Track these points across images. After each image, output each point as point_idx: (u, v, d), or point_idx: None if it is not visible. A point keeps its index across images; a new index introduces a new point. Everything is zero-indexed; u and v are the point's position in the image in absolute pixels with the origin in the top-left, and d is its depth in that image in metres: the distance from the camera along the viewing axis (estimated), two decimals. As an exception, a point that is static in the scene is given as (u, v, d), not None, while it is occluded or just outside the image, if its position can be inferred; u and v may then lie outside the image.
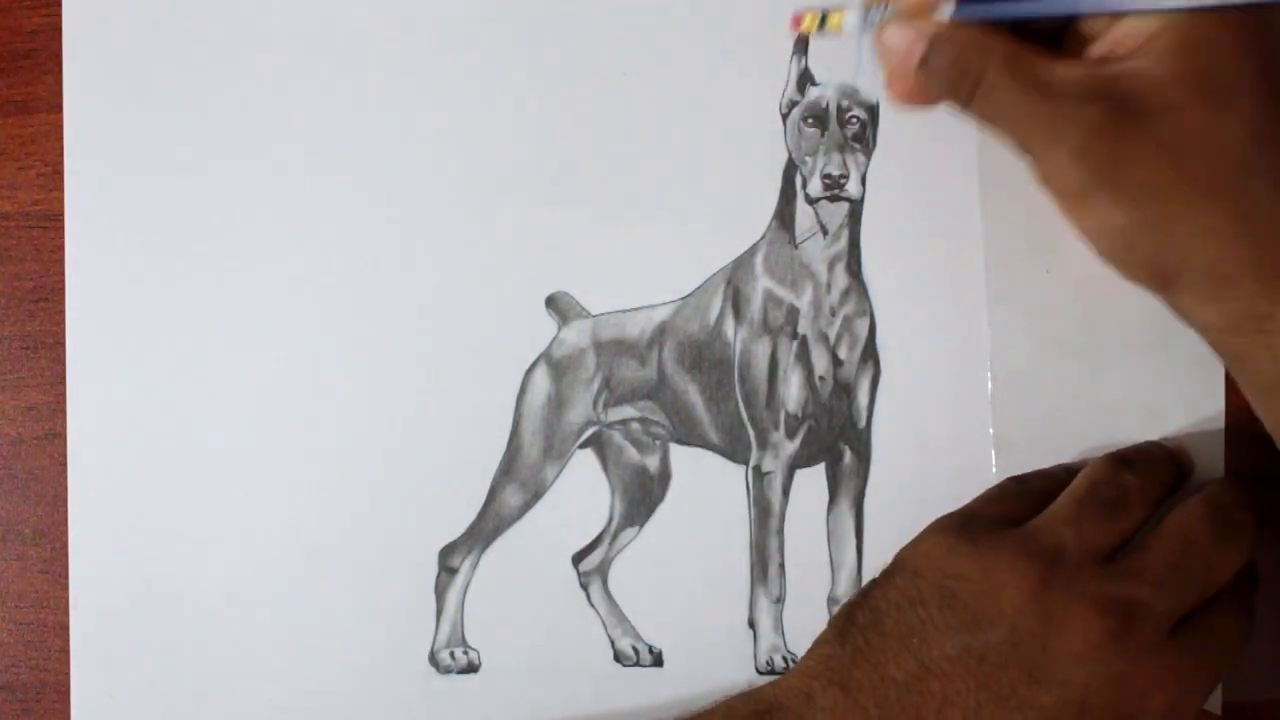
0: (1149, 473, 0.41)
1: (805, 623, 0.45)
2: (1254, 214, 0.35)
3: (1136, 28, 0.36)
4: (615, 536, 0.46)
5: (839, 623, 0.40)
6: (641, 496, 0.46)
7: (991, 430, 0.45)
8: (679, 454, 0.46)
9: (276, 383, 0.47)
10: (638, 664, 0.46)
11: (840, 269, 0.45)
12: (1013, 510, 0.40)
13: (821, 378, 0.45)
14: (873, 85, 0.45)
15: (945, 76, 0.37)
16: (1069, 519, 0.39)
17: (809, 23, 0.39)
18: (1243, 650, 0.40)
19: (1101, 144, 0.36)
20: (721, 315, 0.46)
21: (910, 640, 0.38)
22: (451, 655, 0.46)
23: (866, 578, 0.45)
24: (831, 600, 0.45)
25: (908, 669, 0.38)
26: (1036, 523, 0.39)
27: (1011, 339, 0.45)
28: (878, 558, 0.45)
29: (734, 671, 0.45)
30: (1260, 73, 0.35)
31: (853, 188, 0.45)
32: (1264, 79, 0.35)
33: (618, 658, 0.46)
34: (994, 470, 0.45)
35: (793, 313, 0.46)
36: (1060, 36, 0.38)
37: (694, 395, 0.46)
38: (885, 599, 0.39)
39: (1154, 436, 0.44)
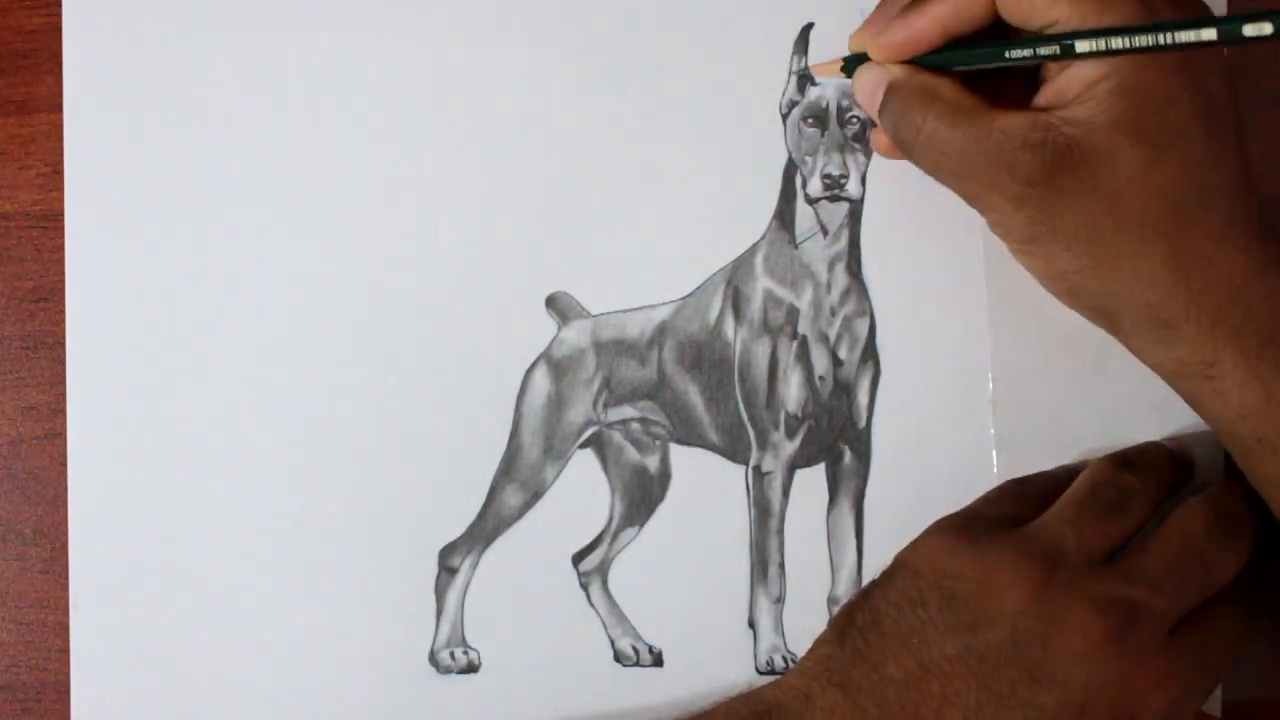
0: (1149, 474, 0.41)
1: (805, 623, 0.45)
2: (1192, 262, 0.36)
3: (1080, 75, 0.36)
4: (615, 536, 0.46)
5: (838, 623, 0.40)
6: (641, 496, 0.46)
7: (993, 429, 0.45)
8: (679, 454, 0.46)
9: (276, 383, 0.47)
10: (638, 664, 0.46)
11: (840, 269, 0.45)
12: (1014, 511, 0.40)
13: (821, 378, 0.45)
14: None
15: (893, 122, 0.38)
16: (1070, 519, 0.39)
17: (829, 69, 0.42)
18: (1243, 651, 0.40)
19: (1038, 192, 0.36)
20: (721, 315, 0.46)
21: (910, 640, 0.38)
22: (451, 655, 0.46)
23: (867, 578, 0.45)
24: (831, 600, 0.45)
25: (907, 669, 0.38)
26: (1037, 523, 0.39)
27: (1013, 338, 0.45)
28: (878, 558, 0.45)
29: (734, 671, 0.45)
30: (1201, 118, 0.36)
31: (853, 188, 0.45)
32: (1205, 125, 0.36)
33: (618, 658, 0.46)
34: (995, 470, 0.45)
35: (793, 313, 0.46)
36: (1016, 84, 0.39)
37: (694, 395, 0.46)
38: (885, 599, 0.39)
39: (1155, 436, 0.44)
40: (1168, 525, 0.39)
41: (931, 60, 0.39)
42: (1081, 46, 0.35)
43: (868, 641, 0.39)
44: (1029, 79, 0.38)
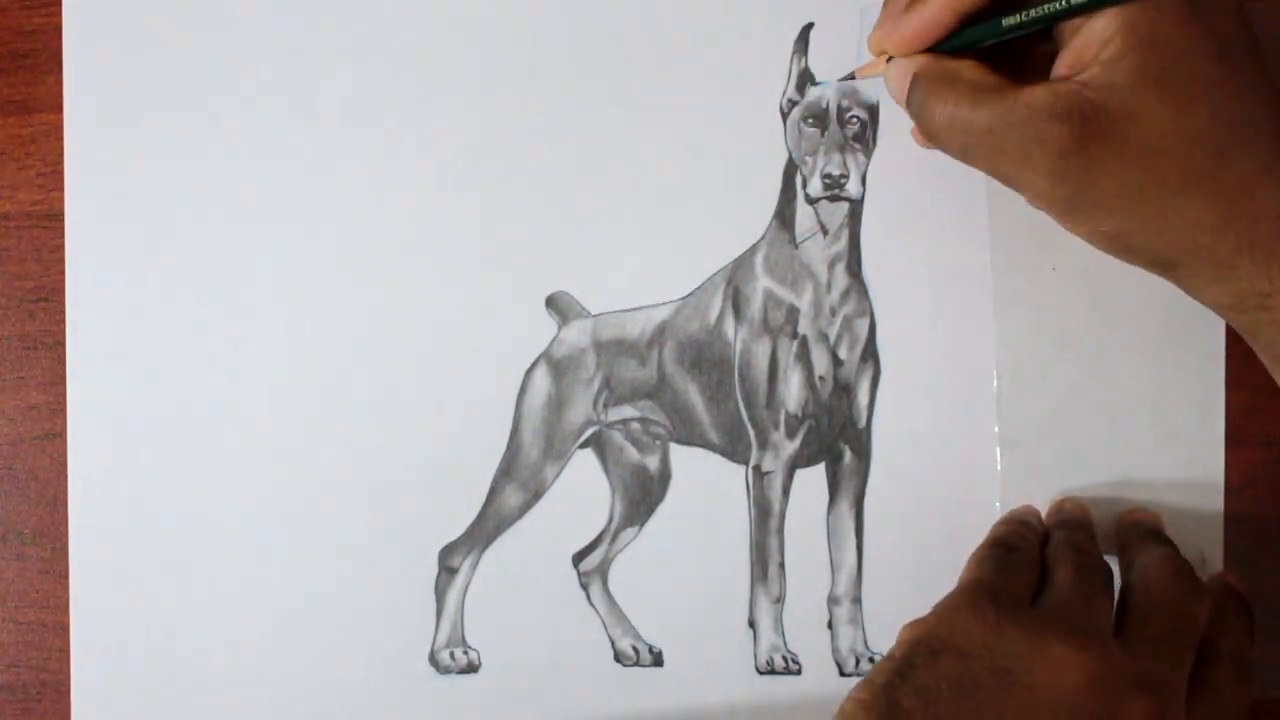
0: (1100, 556, 0.41)
1: (805, 623, 0.45)
2: (1237, 198, 0.35)
3: (1094, 35, 0.36)
4: (615, 536, 0.46)
5: (879, 706, 0.37)
6: (641, 496, 0.46)
7: (997, 428, 0.45)
8: (679, 454, 0.46)
9: (276, 383, 0.47)
10: (638, 664, 0.46)
11: (840, 269, 0.45)
12: (1021, 578, 0.40)
13: (821, 378, 0.45)
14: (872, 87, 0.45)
15: (919, 111, 0.38)
16: (1084, 595, 0.39)
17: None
18: (1245, 712, 0.40)
19: (1072, 163, 0.36)
20: (721, 315, 0.46)
21: None
22: (451, 655, 0.46)
23: (867, 578, 0.45)
24: (832, 600, 0.45)
25: None
26: (1060, 599, 0.39)
27: (1018, 337, 0.45)
28: (878, 558, 0.45)
29: (734, 671, 0.45)
30: (1220, 58, 0.35)
31: (853, 188, 0.45)
32: (1226, 65, 0.35)
33: (618, 658, 0.46)
34: (999, 468, 0.45)
35: (793, 312, 0.46)
36: (1037, 61, 0.38)
37: (694, 395, 0.46)
38: (934, 680, 0.37)
39: (1155, 436, 0.44)
40: (1140, 590, 0.40)
41: (950, 45, 0.39)
42: None
43: None
44: (1049, 55, 0.38)
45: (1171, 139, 0.35)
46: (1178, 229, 0.36)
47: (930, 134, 0.39)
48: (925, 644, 0.38)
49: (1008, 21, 0.37)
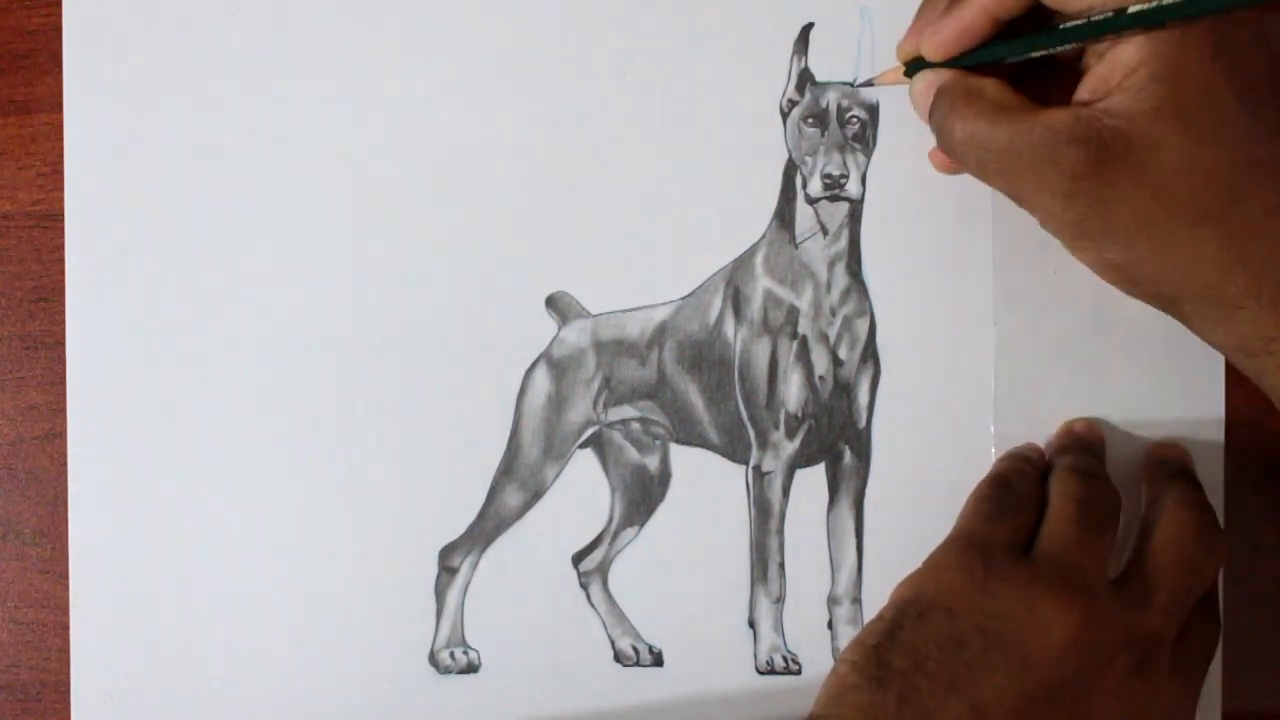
0: (1104, 474, 0.41)
1: (805, 623, 0.45)
2: (1248, 239, 0.35)
3: (1120, 62, 0.35)
4: (615, 536, 0.46)
5: (869, 667, 0.37)
6: (641, 496, 0.46)
7: (993, 429, 0.45)
8: (679, 454, 0.46)
9: (276, 383, 0.47)
10: (638, 664, 0.46)
11: (840, 269, 0.45)
12: (1014, 526, 0.40)
13: (821, 378, 0.45)
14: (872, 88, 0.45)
15: (940, 125, 0.38)
16: (1078, 542, 0.39)
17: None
18: (1215, 647, 0.41)
19: (1086, 187, 0.36)
20: (721, 315, 0.46)
21: (958, 683, 0.37)
22: (451, 655, 0.46)
23: (867, 578, 0.45)
24: (832, 600, 0.45)
25: (957, 713, 0.36)
26: (1050, 549, 0.39)
27: (1017, 339, 0.45)
28: (878, 558, 0.45)
29: (734, 671, 0.45)
30: (1243, 97, 0.35)
31: (853, 188, 0.45)
32: (1248, 103, 0.35)
33: (618, 658, 0.46)
34: (994, 470, 0.45)
35: (793, 313, 0.46)
36: (1061, 82, 0.38)
37: (694, 395, 0.46)
38: (922, 640, 0.37)
39: (1155, 437, 0.44)
40: (1159, 539, 0.40)
41: (980, 57, 0.39)
42: (1134, 7, 0.34)
43: (913, 686, 0.37)
44: (1073, 77, 0.38)
45: (1186, 173, 0.35)
46: (1185, 264, 0.36)
47: (949, 149, 0.39)
48: (914, 604, 0.38)
49: (1065, 28, 0.37)
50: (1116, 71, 0.36)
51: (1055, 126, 0.36)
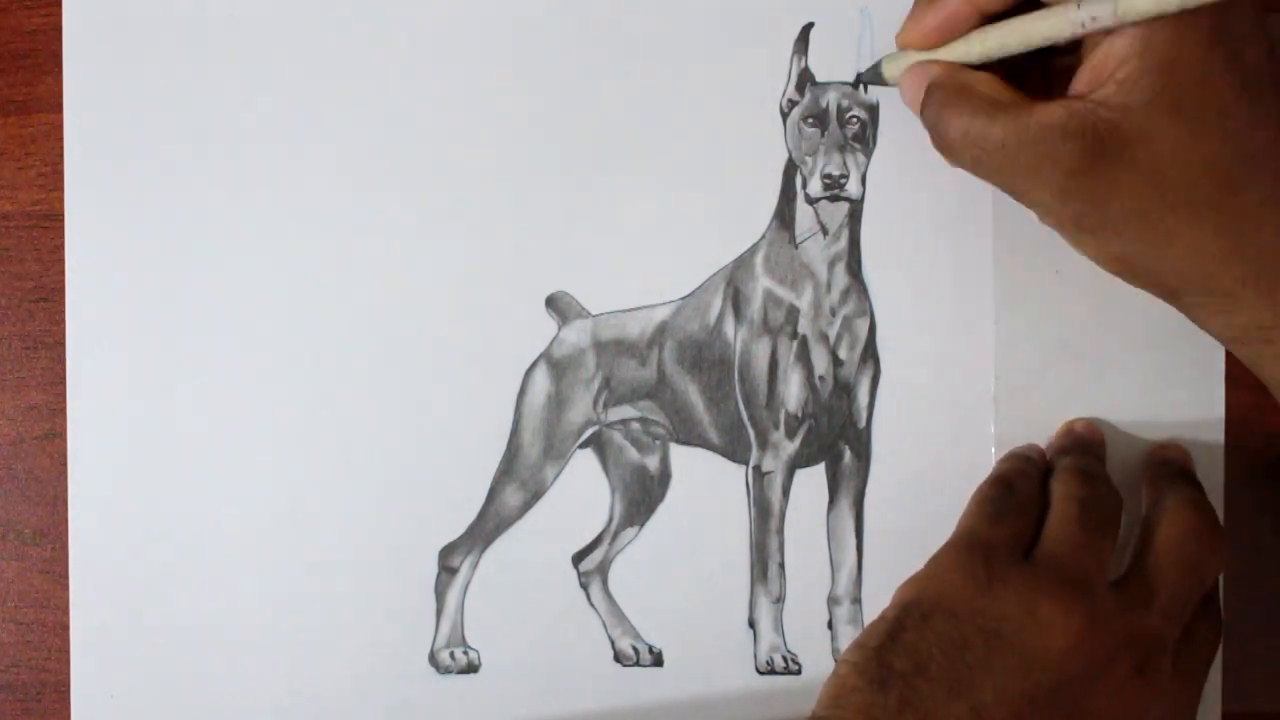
0: (1109, 483, 0.41)
1: (805, 623, 0.45)
2: (1245, 230, 0.35)
3: (1114, 53, 0.35)
4: (615, 536, 0.46)
5: (871, 669, 0.37)
6: (641, 496, 0.46)
7: (993, 429, 0.45)
8: (679, 454, 0.46)
9: (276, 382, 0.47)
10: (638, 664, 0.46)
11: (840, 269, 0.45)
12: (1016, 528, 0.40)
13: (821, 378, 0.45)
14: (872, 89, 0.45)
15: (933, 122, 0.38)
16: (1080, 544, 0.39)
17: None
18: (1218, 645, 0.41)
19: (1081, 181, 0.35)
20: (721, 315, 0.46)
21: (960, 685, 0.37)
22: (451, 655, 0.46)
23: (867, 578, 0.45)
24: (832, 600, 0.45)
25: (958, 714, 0.36)
26: (1053, 550, 0.39)
27: (1017, 339, 0.45)
28: (878, 558, 0.45)
29: (734, 671, 0.45)
30: (1239, 87, 0.35)
31: (853, 188, 0.45)
32: (1244, 94, 0.35)
33: (618, 658, 0.46)
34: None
35: (793, 312, 0.46)
36: (1055, 76, 0.38)
37: (694, 395, 0.46)
38: (924, 642, 0.37)
39: (1155, 438, 0.44)
40: (1161, 540, 0.39)
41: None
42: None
43: (914, 688, 0.37)
44: (1070, 69, 0.38)
45: (1182, 165, 0.35)
46: (1183, 256, 0.36)
47: (942, 147, 0.38)
48: (917, 606, 0.38)
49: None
50: (1110, 62, 0.35)
51: (1050, 122, 0.35)
